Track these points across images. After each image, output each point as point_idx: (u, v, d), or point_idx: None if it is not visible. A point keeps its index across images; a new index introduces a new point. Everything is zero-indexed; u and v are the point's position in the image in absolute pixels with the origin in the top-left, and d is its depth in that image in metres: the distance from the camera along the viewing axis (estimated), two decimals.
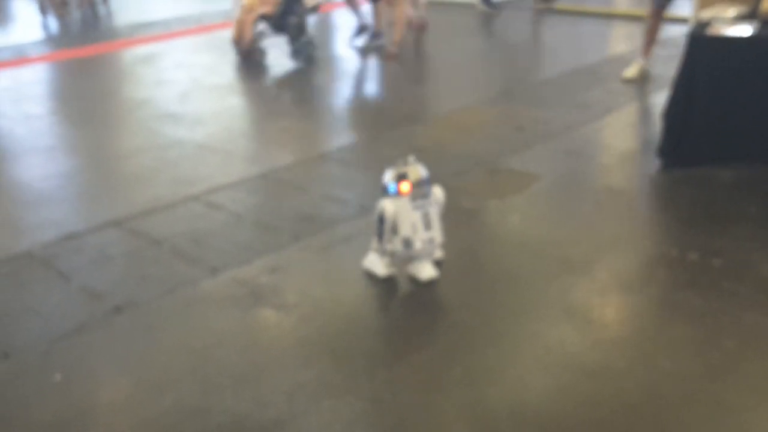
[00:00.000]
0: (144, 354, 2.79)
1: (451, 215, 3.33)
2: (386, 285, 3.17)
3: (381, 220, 3.10)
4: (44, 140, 5.38)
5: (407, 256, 3.15)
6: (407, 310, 3.08)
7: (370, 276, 3.22)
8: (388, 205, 3.08)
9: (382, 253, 3.18)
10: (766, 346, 2.61)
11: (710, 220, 3.53)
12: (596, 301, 2.98)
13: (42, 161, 4.88)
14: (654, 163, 4.19)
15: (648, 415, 2.33)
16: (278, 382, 2.57)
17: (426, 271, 3.17)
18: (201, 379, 2.62)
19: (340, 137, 5.01)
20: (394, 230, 3.09)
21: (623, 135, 4.83)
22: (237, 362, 2.69)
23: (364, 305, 3.09)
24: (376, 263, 3.22)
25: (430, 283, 3.14)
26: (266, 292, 3.15)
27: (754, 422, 2.29)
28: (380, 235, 3.14)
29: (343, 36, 8.16)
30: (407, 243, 3.10)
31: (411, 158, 3.14)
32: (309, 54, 6.96)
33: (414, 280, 3.16)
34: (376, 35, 7.58)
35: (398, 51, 6.96)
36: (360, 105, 5.81)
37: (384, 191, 3.12)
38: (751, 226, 3.45)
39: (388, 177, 3.12)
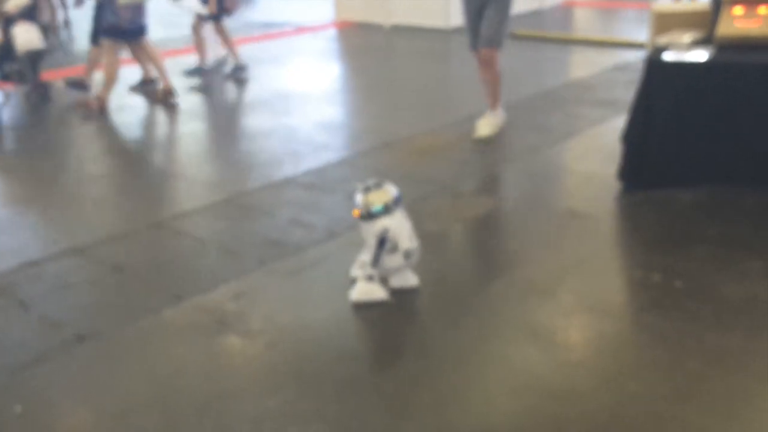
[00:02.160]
0: (106, 383, 2.73)
1: (417, 242, 3.34)
2: (352, 310, 3.15)
3: (382, 242, 3.09)
4: (3, 166, 5.29)
5: (394, 270, 3.19)
6: (375, 334, 3.07)
7: (337, 301, 3.20)
8: (390, 223, 3.09)
9: (372, 278, 3.16)
10: (728, 367, 2.65)
11: (672, 242, 3.59)
12: (561, 323, 3.00)
13: (0, 188, 4.79)
14: (615, 186, 4.26)
15: None
16: (243, 409, 2.53)
17: (412, 278, 3.25)
18: (164, 408, 2.57)
19: (307, 161, 5.01)
20: (395, 247, 3.11)
21: (584, 158, 4.90)
22: (201, 391, 2.65)
23: (331, 330, 3.07)
24: (374, 290, 3.18)
25: (397, 308, 3.13)
26: (231, 318, 3.12)
27: None
28: (377, 259, 3.12)
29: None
30: (408, 254, 3.16)
31: (371, 182, 3.16)
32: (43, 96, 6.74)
33: (394, 295, 3.14)
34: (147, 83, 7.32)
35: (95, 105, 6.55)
36: (326, 128, 5.81)
37: (369, 216, 3.10)
38: (712, 247, 3.51)
39: (360, 199, 3.12)
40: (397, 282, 3.23)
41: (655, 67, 4.01)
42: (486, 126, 5.22)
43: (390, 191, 3.16)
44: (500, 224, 3.96)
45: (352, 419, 2.46)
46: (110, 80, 6.52)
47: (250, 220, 4.13)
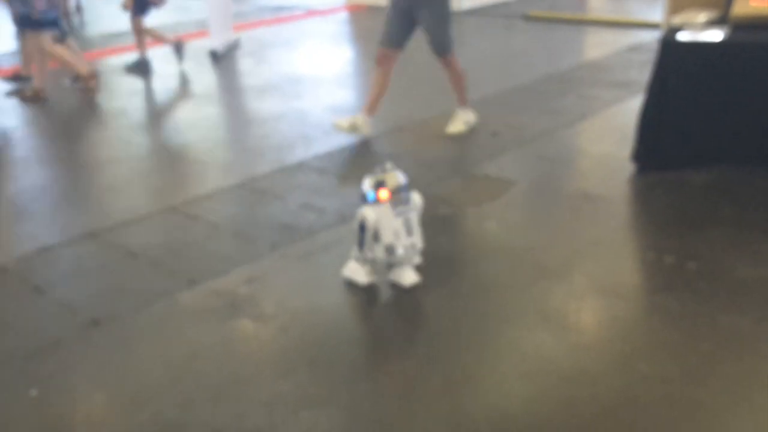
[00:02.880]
0: (121, 367, 2.76)
1: (429, 222, 3.34)
2: (365, 293, 3.16)
3: (362, 228, 3.10)
4: (18, 152, 5.33)
5: (389, 263, 3.15)
6: (386, 318, 3.08)
7: (350, 284, 3.21)
8: (369, 213, 3.08)
9: (363, 261, 3.18)
10: (741, 348, 2.64)
11: (685, 224, 3.57)
12: (573, 306, 3.00)
13: (16, 173, 4.83)
14: (629, 168, 4.23)
15: (625, 418, 2.34)
16: (257, 393, 2.55)
17: (408, 277, 3.18)
18: (179, 392, 2.60)
19: (318, 145, 5.01)
20: (376, 238, 3.10)
21: (598, 140, 4.87)
22: (215, 374, 2.67)
23: (343, 314, 3.08)
24: (358, 271, 3.21)
25: (409, 291, 3.14)
26: (244, 302, 3.14)
27: (730, 424, 2.31)
28: (361, 244, 3.14)
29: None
30: (390, 250, 3.11)
31: (388, 165, 3.14)
32: None
33: (394, 287, 3.16)
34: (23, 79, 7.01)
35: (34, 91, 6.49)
36: (337, 112, 5.81)
37: (363, 199, 3.12)
38: (725, 229, 3.49)
39: (367, 185, 3.12)
40: (392, 276, 3.20)
41: (669, 48, 3.97)
42: (455, 124, 5.11)
43: (397, 178, 3.12)
44: (513, 207, 3.95)
45: (363, 403, 2.48)
46: (68, 63, 6.49)
47: (262, 204, 4.15)
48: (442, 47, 4.86)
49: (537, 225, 3.75)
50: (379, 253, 3.12)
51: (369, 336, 2.94)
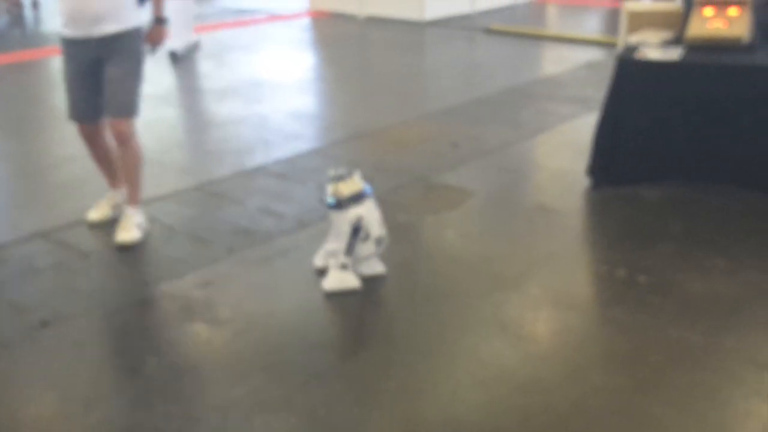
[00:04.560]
0: (71, 370, 2.71)
1: (387, 230, 3.35)
2: (321, 299, 3.16)
3: (356, 230, 3.12)
4: None
5: (371, 256, 3.23)
6: (343, 323, 3.07)
7: (307, 290, 3.21)
8: (362, 212, 3.12)
9: (346, 266, 3.17)
10: (690, 360, 2.70)
11: (638, 238, 3.64)
12: (528, 316, 3.03)
13: None
14: (584, 182, 4.30)
15: (577, 428, 2.37)
16: (210, 398, 2.53)
17: (380, 265, 3.29)
18: (130, 395, 2.56)
19: (278, 150, 4.99)
20: (367, 235, 3.14)
21: (555, 154, 4.94)
22: (167, 378, 2.64)
23: (299, 319, 3.07)
24: (347, 279, 3.19)
25: (366, 297, 3.15)
26: (199, 306, 3.10)
27: None
28: (351, 248, 3.14)
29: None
30: (380, 241, 3.20)
31: (342, 170, 3.18)
32: None
33: (350, 293, 3.16)
34: None
35: None
36: (298, 118, 5.80)
37: (327, 206, 3.15)
38: (675, 244, 3.57)
39: (330, 189, 3.15)
40: (366, 270, 3.25)
41: (625, 65, 4.05)
42: (128, 229, 3.64)
43: (358, 181, 3.18)
44: (470, 217, 3.98)
45: (319, 408, 2.47)
46: None
47: (219, 207, 4.11)
48: (131, 107, 3.59)
49: (494, 235, 3.79)
50: (370, 248, 3.18)
51: (325, 341, 2.92)
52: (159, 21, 3.72)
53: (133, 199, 3.74)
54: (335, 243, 3.26)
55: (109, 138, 3.75)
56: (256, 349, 2.81)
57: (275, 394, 2.55)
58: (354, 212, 3.11)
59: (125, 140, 3.63)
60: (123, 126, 3.60)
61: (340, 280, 3.18)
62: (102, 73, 3.56)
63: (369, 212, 3.16)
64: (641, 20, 4.54)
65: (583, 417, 2.42)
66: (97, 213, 3.87)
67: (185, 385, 2.58)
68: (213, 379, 2.63)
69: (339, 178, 3.15)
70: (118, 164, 3.82)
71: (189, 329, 2.96)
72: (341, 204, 3.11)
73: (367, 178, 3.28)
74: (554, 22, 10.45)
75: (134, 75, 3.61)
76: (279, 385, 2.59)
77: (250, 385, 2.59)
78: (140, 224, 3.70)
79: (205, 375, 2.66)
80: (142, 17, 3.63)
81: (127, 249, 3.57)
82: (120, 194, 3.89)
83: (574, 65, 7.40)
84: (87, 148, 3.82)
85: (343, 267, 3.16)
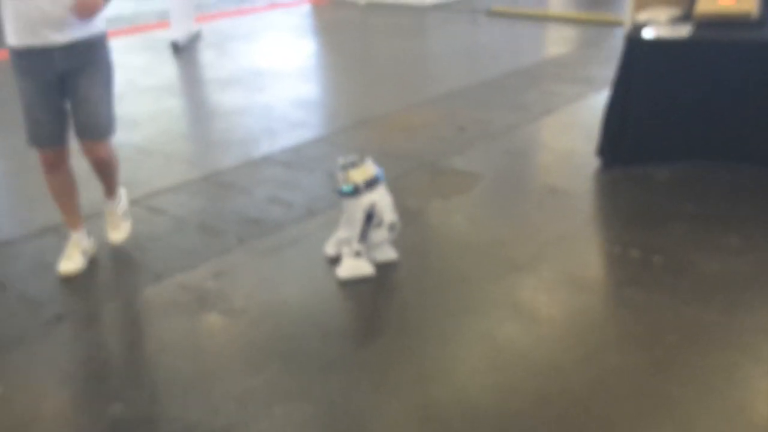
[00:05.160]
0: (87, 363, 2.71)
1: (397, 215, 3.33)
2: (334, 287, 3.15)
3: (369, 217, 3.12)
4: None
5: (382, 242, 3.24)
6: (357, 311, 3.07)
7: (320, 278, 3.20)
8: (375, 198, 3.12)
9: (360, 253, 3.17)
10: (705, 340, 2.69)
11: (650, 218, 3.63)
12: (542, 299, 3.02)
13: None
14: (593, 163, 4.28)
15: (596, 409, 2.37)
16: (228, 388, 2.53)
17: (392, 251, 3.29)
18: (148, 387, 2.56)
19: (283, 139, 4.97)
20: (380, 221, 3.14)
21: (563, 135, 4.92)
22: (185, 369, 2.64)
23: (313, 307, 3.06)
24: (361, 266, 3.18)
25: (378, 284, 3.14)
26: (212, 297, 3.10)
27: (696, 413, 2.35)
28: (364, 235, 3.14)
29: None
30: (392, 227, 3.21)
31: (354, 157, 3.17)
32: None
33: (363, 279, 3.15)
34: None
35: None
36: (302, 106, 5.77)
37: (339, 194, 3.14)
38: (688, 224, 3.55)
39: (341, 176, 3.14)
40: (379, 256, 3.24)
41: (634, 44, 4.02)
42: (117, 226, 3.57)
43: (371, 167, 3.17)
44: (480, 201, 3.96)
45: (336, 396, 2.46)
46: None
47: (228, 198, 4.10)
48: (107, 129, 3.21)
49: (505, 219, 3.77)
50: (384, 233, 3.19)
51: (340, 329, 2.92)
52: None
53: (111, 192, 3.49)
54: (347, 230, 3.25)
55: (71, 166, 3.30)
56: (271, 338, 2.81)
57: (292, 383, 2.54)
58: (367, 198, 3.10)
59: (105, 160, 3.28)
60: (102, 150, 3.21)
61: (354, 267, 3.17)
62: (67, 88, 3.05)
63: (382, 198, 3.15)
64: None
65: (601, 399, 2.42)
66: (70, 264, 3.28)
67: (203, 376, 2.58)
68: (230, 369, 2.63)
69: (351, 165, 3.14)
70: (99, 176, 3.40)
71: (204, 320, 2.95)
72: (357, 190, 3.10)
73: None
74: (556, 2, 10.38)
75: (109, 89, 3.18)
76: (296, 374, 2.59)
77: (267, 375, 2.59)
78: (124, 210, 3.57)
79: (223, 365, 2.66)
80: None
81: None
82: (84, 237, 3.40)
83: (578, 45, 7.36)
84: (48, 177, 3.24)
85: (357, 254, 3.15)
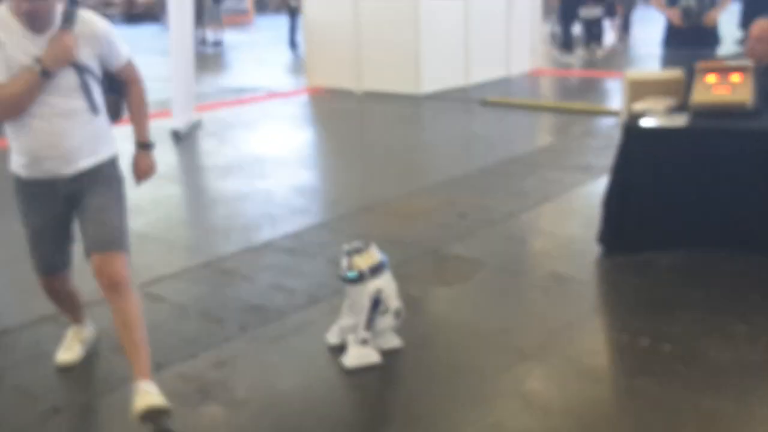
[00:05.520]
0: None
1: (402, 303, 3.29)
2: (338, 376, 3.08)
3: (376, 303, 3.08)
4: None
5: (389, 329, 3.20)
6: (363, 402, 2.98)
7: (323, 369, 3.13)
8: (381, 284, 3.09)
9: (366, 341, 3.12)
10: (724, 431, 2.62)
11: (656, 306, 3.59)
12: (553, 390, 2.95)
13: None
14: (595, 249, 4.28)
15: None
16: None
17: (396, 339, 3.24)
18: None
19: (285, 225, 4.96)
20: (386, 309, 3.11)
21: (563, 222, 4.93)
22: None
23: (318, 399, 2.98)
24: (369, 354, 3.13)
25: (384, 373, 3.08)
26: (214, 387, 3.02)
27: None
28: (371, 322, 3.10)
29: None
30: (398, 313, 3.16)
31: (358, 243, 3.16)
32: None
33: (367, 369, 3.08)
34: None
35: None
36: (302, 192, 5.80)
37: (344, 281, 3.12)
38: (695, 311, 3.51)
39: (345, 262, 3.12)
40: (383, 344, 3.18)
41: (632, 133, 4.08)
42: (152, 394, 2.72)
43: (375, 253, 3.16)
44: (484, 288, 3.93)
45: None
46: None
47: (230, 285, 4.06)
48: (120, 239, 2.85)
49: (510, 306, 3.73)
50: (389, 321, 3.15)
51: (346, 421, 2.83)
52: (144, 147, 3.09)
53: (145, 368, 2.76)
54: (351, 318, 3.21)
55: (73, 285, 3.17)
56: (275, 431, 2.72)
57: None
58: (373, 285, 3.07)
59: (121, 283, 2.77)
60: (118, 264, 2.78)
61: (361, 356, 3.11)
62: (73, 212, 2.90)
63: (387, 284, 3.13)
64: (643, 89, 4.58)
65: None
66: (68, 354, 3.18)
67: None
68: None
69: (356, 251, 3.12)
70: (118, 321, 2.82)
71: (206, 412, 2.87)
72: (363, 277, 3.07)
73: None
74: (548, 94, 10.63)
75: (121, 202, 2.95)
76: None
77: None
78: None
79: None
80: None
81: (158, 413, 2.68)
82: (86, 328, 3.30)
83: (572, 135, 7.48)
84: (50, 297, 3.15)
85: (364, 342, 3.10)
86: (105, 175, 2.91)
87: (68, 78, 2.72)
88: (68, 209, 2.90)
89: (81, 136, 2.78)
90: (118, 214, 2.91)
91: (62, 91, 2.71)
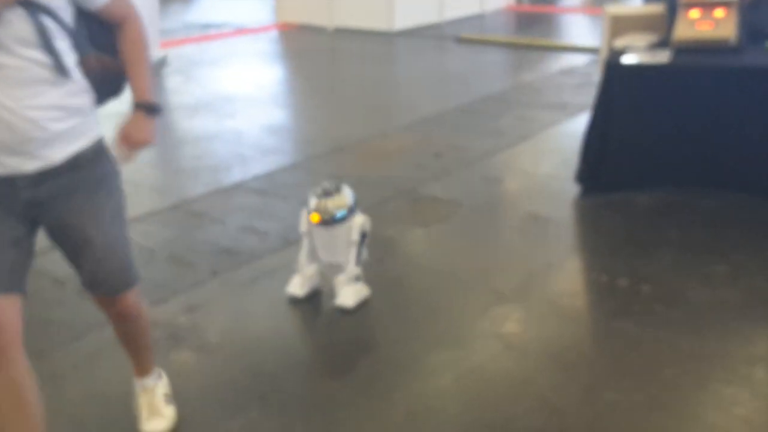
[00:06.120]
0: (49, 407, 2.50)
1: (376, 245, 3.21)
2: (313, 321, 3.01)
3: (363, 236, 3.05)
4: None
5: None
6: (338, 345, 2.91)
7: (292, 310, 3.06)
8: (365, 220, 3.05)
9: (359, 277, 3.08)
10: (705, 372, 2.59)
11: (634, 246, 3.55)
12: (532, 331, 2.91)
13: None
14: (573, 189, 4.21)
15: None
16: None
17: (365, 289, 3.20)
18: None
19: (256, 166, 4.82)
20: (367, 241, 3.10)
21: (540, 161, 4.85)
22: None
23: (292, 342, 2.92)
24: (363, 289, 3.10)
25: (360, 315, 3.01)
26: (185, 333, 2.93)
27: None
28: (359, 256, 3.06)
29: None
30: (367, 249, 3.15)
31: (327, 184, 3.06)
32: None
33: (341, 311, 3.02)
34: None
35: None
36: (272, 132, 5.64)
37: (330, 222, 3.02)
38: (673, 251, 3.48)
39: (315, 204, 3.01)
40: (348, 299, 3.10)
41: (614, 70, 3.97)
42: (159, 411, 2.41)
43: (348, 196, 3.05)
44: (462, 229, 3.86)
45: None
46: None
47: (200, 227, 3.94)
48: (129, 273, 2.20)
49: (487, 247, 3.66)
50: (365, 255, 3.13)
51: (322, 366, 2.77)
52: (145, 108, 2.17)
53: (144, 364, 2.42)
54: (327, 260, 3.11)
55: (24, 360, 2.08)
56: (249, 377, 2.65)
57: (273, 426, 2.39)
58: (359, 218, 3.04)
59: (132, 314, 2.25)
60: (129, 300, 2.19)
61: (356, 292, 3.07)
62: (38, 228, 2.03)
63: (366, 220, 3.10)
64: (624, 24, 4.46)
65: None
66: None
67: (176, 421, 2.40)
68: (206, 413, 2.46)
69: (326, 194, 3.01)
70: (120, 333, 2.35)
71: (177, 358, 2.78)
72: (350, 212, 3.01)
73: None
74: (524, 30, 10.43)
75: (119, 213, 2.13)
76: (276, 417, 2.43)
77: (245, 418, 2.42)
78: (166, 391, 2.46)
79: (197, 408, 2.49)
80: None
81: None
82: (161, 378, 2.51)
83: (548, 72, 7.35)
84: None
85: (357, 278, 3.06)
86: (90, 171, 2.02)
87: (17, 23, 1.79)
88: (32, 224, 2.00)
89: (46, 112, 1.87)
90: (118, 237, 2.11)
91: (8, 43, 1.79)
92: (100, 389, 2.61)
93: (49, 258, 3.56)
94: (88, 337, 2.91)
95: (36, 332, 2.94)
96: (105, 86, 2.12)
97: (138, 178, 4.73)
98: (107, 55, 2.07)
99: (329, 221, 3.00)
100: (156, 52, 7.88)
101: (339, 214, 3.00)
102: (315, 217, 3.03)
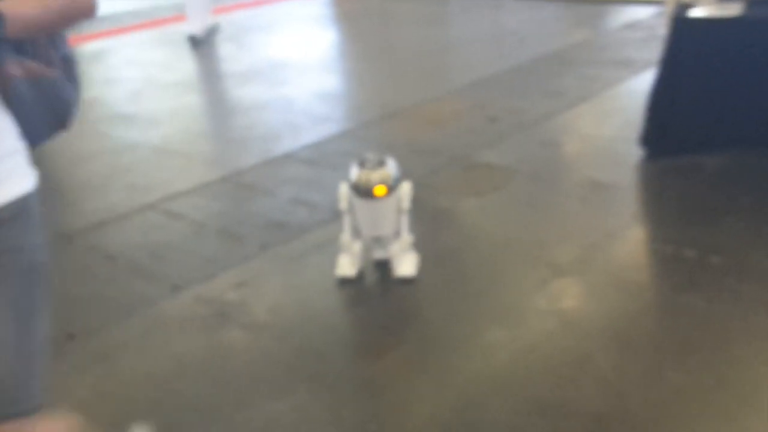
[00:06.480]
0: (99, 386, 2.51)
1: (428, 216, 3.11)
2: (363, 297, 2.92)
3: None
4: None
5: None
6: (387, 322, 2.82)
7: (345, 286, 2.97)
8: (410, 186, 2.98)
9: (413, 244, 3.03)
10: None
11: (703, 213, 3.35)
12: (592, 307, 2.77)
13: None
14: (636, 152, 4.00)
15: None
16: (251, 414, 2.31)
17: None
18: (163, 413, 2.35)
19: (306, 134, 4.74)
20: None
21: (601, 123, 4.63)
22: (203, 393, 2.43)
23: (342, 320, 2.84)
24: (416, 257, 3.05)
25: (411, 289, 2.91)
26: (234, 310, 2.89)
27: None
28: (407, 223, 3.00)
29: None
30: None
31: (372, 156, 2.94)
32: None
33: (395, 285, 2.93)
34: None
35: None
36: (323, 99, 5.54)
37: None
38: (745, 219, 3.27)
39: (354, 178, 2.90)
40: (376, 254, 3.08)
41: (681, 24, 3.73)
42: None
43: (392, 167, 2.91)
44: (517, 198, 3.71)
45: (370, 425, 2.24)
46: None
47: (249, 200, 3.89)
48: (7, 394, 1.45)
49: (545, 217, 3.51)
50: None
51: (371, 344, 2.69)
52: None
53: None
54: (375, 231, 3.00)
55: None
56: (298, 356, 2.59)
57: (321, 408, 2.32)
58: (406, 185, 2.94)
59: None
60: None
61: (414, 261, 3.01)
62: None
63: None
64: None
65: (665, 423, 2.16)
66: None
67: (224, 401, 2.37)
68: (254, 393, 2.41)
69: (371, 167, 2.88)
70: None
71: (225, 337, 2.74)
72: (398, 181, 2.92)
73: (402, 160, 3.04)
74: None
75: (29, 311, 1.45)
76: (325, 398, 2.37)
77: (293, 399, 2.37)
78: None
79: (245, 388, 2.44)
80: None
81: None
82: None
83: (610, 27, 7.04)
84: None
85: (412, 247, 3.00)
86: None
87: None
88: None
89: None
90: (11, 339, 1.41)
91: None
92: (151, 368, 2.59)
93: (100, 233, 3.58)
94: (138, 314, 2.89)
95: (88, 309, 2.95)
96: (38, 107, 1.42)
97: (189, 150, 4.71)
98: (35, 59, 1.38)
99: (376, 193, 2.89)
100: (208, 19, 7.85)
101: (393, 182, 2.88)
102: (381, 190, 2.88)
